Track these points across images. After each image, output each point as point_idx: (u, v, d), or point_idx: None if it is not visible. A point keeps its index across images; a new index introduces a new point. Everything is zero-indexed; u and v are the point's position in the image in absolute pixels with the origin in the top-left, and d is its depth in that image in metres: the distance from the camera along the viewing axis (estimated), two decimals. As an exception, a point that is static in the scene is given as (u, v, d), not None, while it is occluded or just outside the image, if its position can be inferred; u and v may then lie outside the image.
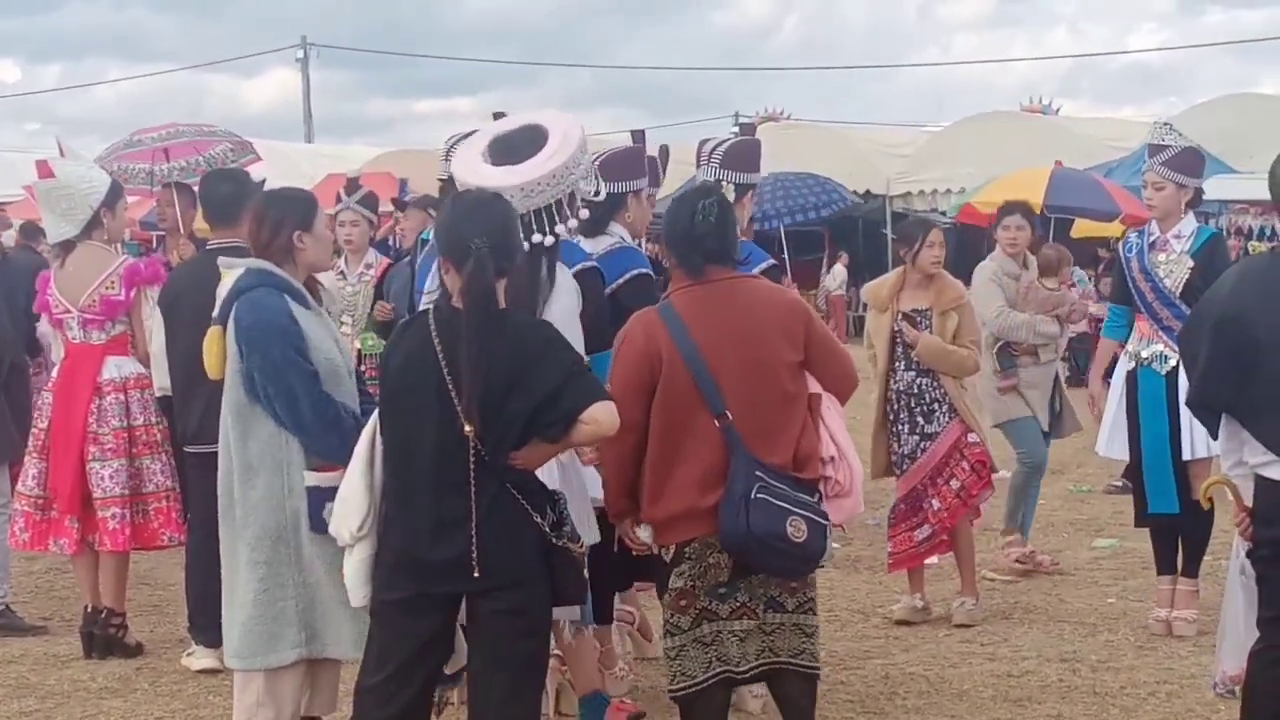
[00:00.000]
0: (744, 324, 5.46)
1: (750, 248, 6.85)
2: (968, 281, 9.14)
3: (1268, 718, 5.23)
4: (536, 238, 5.80)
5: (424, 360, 4.89)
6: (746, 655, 5.50)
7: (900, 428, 8.29)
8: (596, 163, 6.29)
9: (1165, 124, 8.66)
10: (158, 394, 7.76)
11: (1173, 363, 7.71)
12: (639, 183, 7.02)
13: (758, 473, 5.31)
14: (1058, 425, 9.56)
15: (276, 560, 5.41)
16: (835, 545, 5.72)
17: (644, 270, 6.67)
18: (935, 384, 8.25)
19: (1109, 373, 8.53)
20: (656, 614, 7.21)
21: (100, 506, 7.76)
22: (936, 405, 8.25)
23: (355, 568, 5.05)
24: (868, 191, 28.91)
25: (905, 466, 8.28)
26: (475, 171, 5.83)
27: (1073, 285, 11.75)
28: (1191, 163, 8.08)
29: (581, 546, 5.06)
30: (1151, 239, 8.04)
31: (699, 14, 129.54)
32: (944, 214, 25.30)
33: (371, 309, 9.28)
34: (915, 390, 8.26)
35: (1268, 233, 22.15)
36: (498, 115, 6.46)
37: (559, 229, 5.84)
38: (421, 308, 5.67)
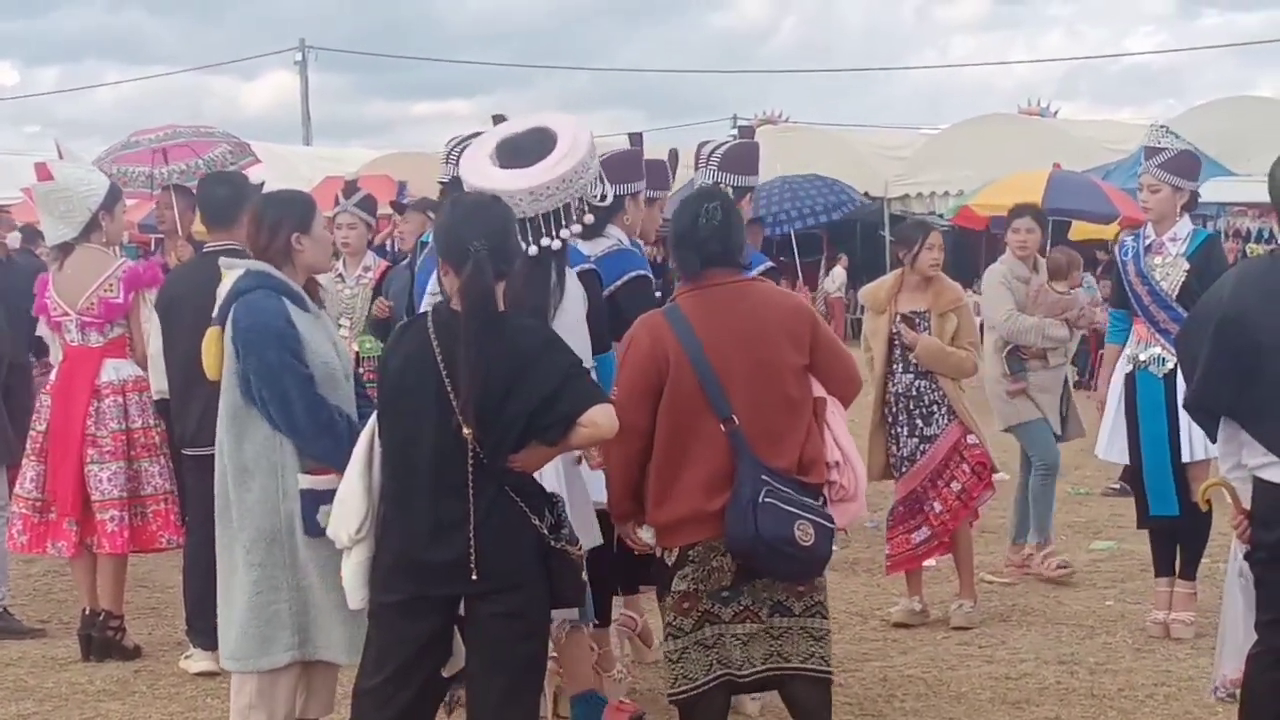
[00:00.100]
0: (750, 327, 5.44)
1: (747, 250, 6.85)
2: (963, 283, 9.13)
3: (1266, 720, 5.24)
4: (545, 242, 5.80)
5: (423, 363, 4.89)
6: (751, 659, 5.47)
7: (899, 430, 8.29)
8: (596, 165, 6.28)
9: (1162, 126, 8.67)
10: (155, 397, 7.76)
11: (1170, 365, 7.71)
12: (636, 185, 7.02)
13: (764, 476, 5.29)
14: (1064, 429, 9.53)
15: (271, 563, 5.41)
16: (834, 548, 5.71)
17: (642, 272, 6.67)
18: (934, 386, 8.25)
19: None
20: (656, 618, 7.22)
21: (98, 509, 7.76)
22: (935, 407, 8.25)
23: (353, 570, 5.05)
24: (865, 194, 28.92)
25: (904, 469, 8.27)
26: (483, 174, 5.82)
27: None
28: (1188, 165, 8.09)
29: (579, 549, 5.06)
30: (1147, 242, 8.05)
31: (697, 16, 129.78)
32: (941, 216, 25.32)
33: (370, 310, 9.28)
34: (914, 392, 8.26)
35: (1266, 235, 22.16)
36: (496, 118, 6.45)
37: (563, 233, 5.84)
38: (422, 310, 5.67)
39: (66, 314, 7.86)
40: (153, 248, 21.18)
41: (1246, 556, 5.30)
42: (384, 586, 4.97)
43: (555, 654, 6.10)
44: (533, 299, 5.74)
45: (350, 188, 9.96)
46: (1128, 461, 8.35)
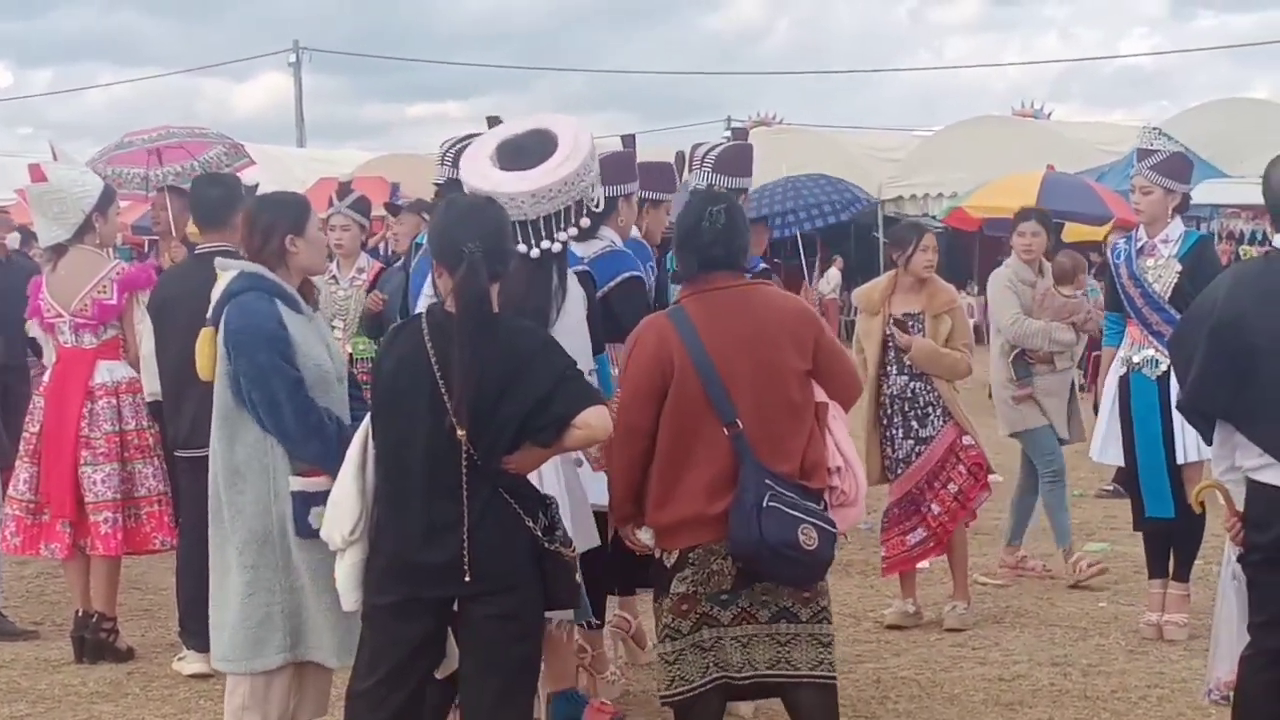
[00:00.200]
0: (754, 331, 5.42)
1: None
2: (957, 285, 9.12)
3: (1259, 722, 5.25)
4: (545, 244, 5.80)
5: (417, 364, 4.90)
6: (753, 662, 5.43)
7: (894, 432, 8.28)
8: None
9: (1154, 129, 8.69)
10: (148, 399, 7.76)
11: (1164, 367, 7.72)
12: (629, 186, 7.04)
13: (768, 481, 5.28)
14: (1068, 432, 9.50)
15: (263, 564, 5.40)
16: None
17: (634, 273, 6.68)
18: (929, 387, 8.25)
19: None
20: (649, 620, 7.22)
21: (92, 511, 7.76)
22: (930, 409, 8.25)
23: (347, 572, 5.05)
24: (862, 195, 28.92)
25: (899, 471, 8.27)
26: (484, 176, 5.82)
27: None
28: (1179, 168, 8.09)
29: (573, 550, 5.06)
30: (1139, 244, 8.07)
31: (691, 18, 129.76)
32: (935, 218, 25.32)
33: (361, 318, 9.27)
34: (909, 394, 8.26)
35: (1259, 237, 22.19)
36: (491, 120, 6.46)
37: (560, 235, 5.84)
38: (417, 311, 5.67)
39: (60, 315, 7.86)
40: (146, 249, 21.15)
41: (1239, 559, 5.31)
42: (378, 588, 4.97)
43: (566, 657, 6.12)
44: (534, 301, 5.74)
45: (344, 189, 9.96)
46: (1122, 464, 8.35)
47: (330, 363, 5.55)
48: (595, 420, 4.86)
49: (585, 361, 5.92)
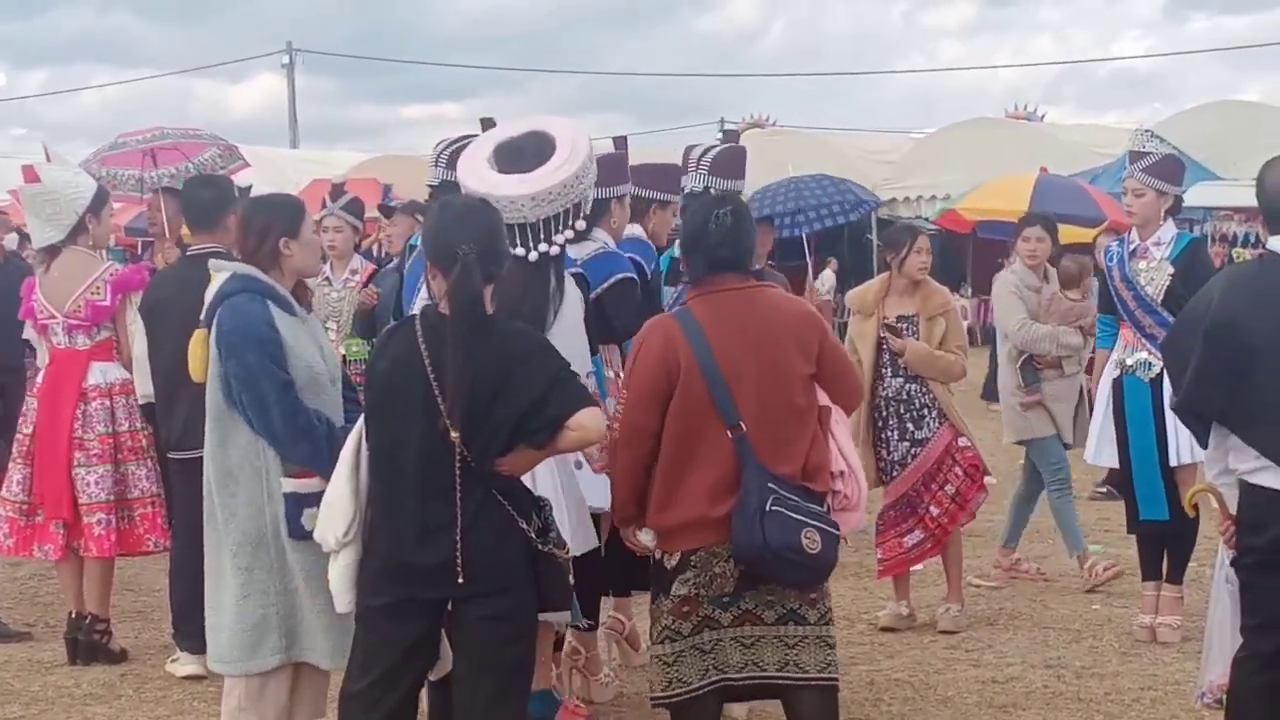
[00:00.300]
0: (760, 334, 5.41)
1: None
2: (950, 287, 9.12)
3: (1252, 725, 5.25)
4: (543, 247, 5.80)
5: (410, 366, 4.90)
6: (759, 663, 5.42)
7: (889, 434, 8.27)
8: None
9: (1146, 131, 8.68)
10: (140, 401, 7.76)
11: (1157, 370, 7.73)
12: (622, 188, 7.05)
13: (770, 484, 5.27)
14: (1074, 437, 9.47)
15: (257, 566, 5.40)
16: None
17: (627, 275, 6.68)
18: (924, 389, 8.25)
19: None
20: (643, 622, 7.22)
21: (86, 512, 7.75)
22: (926, 411, 8.25)
23: (340, 573, 5.05)
24: (855, 197, 28.90)
25: (895, 473, 8.26)
26: (482, 178, 5.82)
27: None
28: (1172, 170, 8.10)
29: (567, 552, 5.06)
30: (1132, 247, 8.07)
31: (685, 20, 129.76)
32: (928, 220, 25.34)
33: (355, 317, 9.27)
34: (904, 396, 8.25)
35: (1252, 239, 22.23)
36: (485, 122, 6.46)
37: (558, 238, 5.85)
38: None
39: (53, 317, 7.85)
40: (140, 251, 21.13)
41: (1233, 562, 5.31)
42: (371, 589, 4.97)
43: (543, 658, 6.10)
44: (531, 304, 5.75)
45: (337, 191, 9.95)
46: (1116, 466, 8.35)
47: (323, 364, 5.54)
48: (589, 422, 4.87)
49: (583, 364, 5.92)
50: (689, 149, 7.60)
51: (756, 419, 5.33)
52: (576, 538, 5.82)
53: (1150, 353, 7.83)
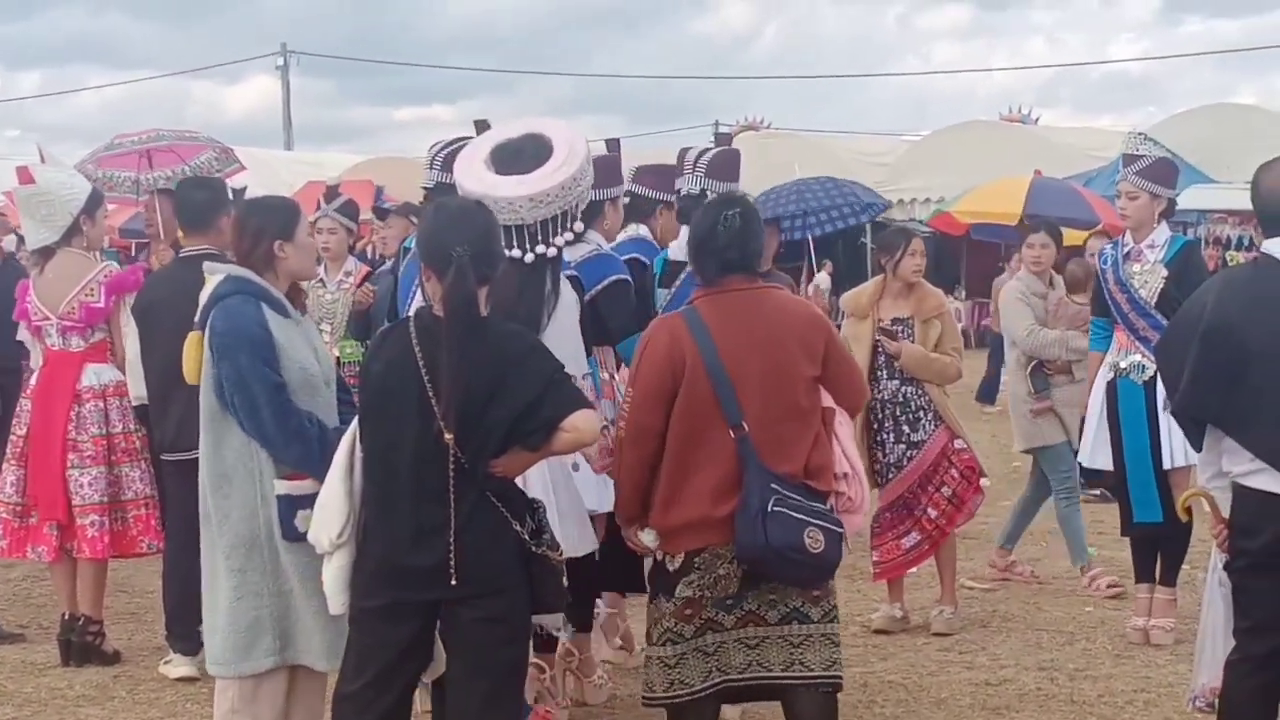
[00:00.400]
0: (765, 335, 5.40)
1: None
2: (944, 289, 9.12)
3: (1245, 728, 5.25)
4: (541, 248, 5.80)
5: (404, 368, 4.90)
6: (763, 663, 5.42)
7: (885, 436, 8.27)
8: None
9: (1140, 134, 8.69)
10: (133, 402, 7.75)
11: (1150, 372, 7.73)
12: (615, 190, 7.06)
13: (773, 484, 5.26)
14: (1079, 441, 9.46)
15: (251, 568, 5.40)
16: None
17: (621, 276, 6.68)
18: (920, 392, 8.25)
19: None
20: (637, 624, 7.22)
21: (79, 514, 7.75)
22: (922, 413, 8.24)
23: (334, 575, 5.05)
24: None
25: (891, 475, 8.24)
26: (480, 179, 5.82)
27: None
28: (1165, 173, 8.11)
29: (560, 554, 5.06)
30: (1126, 250, 8.08)
31: (679, 22, 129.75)
32: (922, 223, 25.35)
33: (350, 317, 9.27)
34: (900, 398, 8.25)
35: (1245, 242, 22.27)
36: (479, 124, 6.46)
37: (558, 240, 5.85)
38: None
39: (47, 318, 7.85)
40: (134, 252, 21.13)
41: (1226, 565, 5.31)
42: (365, 591, 4.97)
43: (536, 659, 6.10)
44: (526, 306, 5.75)
45: (332, 193, 9.94)
46: (1111, 469, 8.36)
47: (317, 366, 5.53)
48: (583, 424, 4.87)
49: (579, 366, 5.93)
50: (684, 151, 7.60)
51: (759, 419, 5.33)
52: (575, 540, 5.82)
53: (1144, 355, 7.83)
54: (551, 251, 5.85)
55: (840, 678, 5.53)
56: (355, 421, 5.09)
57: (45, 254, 7.89)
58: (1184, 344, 5.24)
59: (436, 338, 4.84)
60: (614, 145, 7.51)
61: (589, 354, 6.26)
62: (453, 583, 4.82)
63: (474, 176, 5.85)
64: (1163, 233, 8.05)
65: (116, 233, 21.30)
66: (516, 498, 4.98)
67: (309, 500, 5.19)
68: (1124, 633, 8.15)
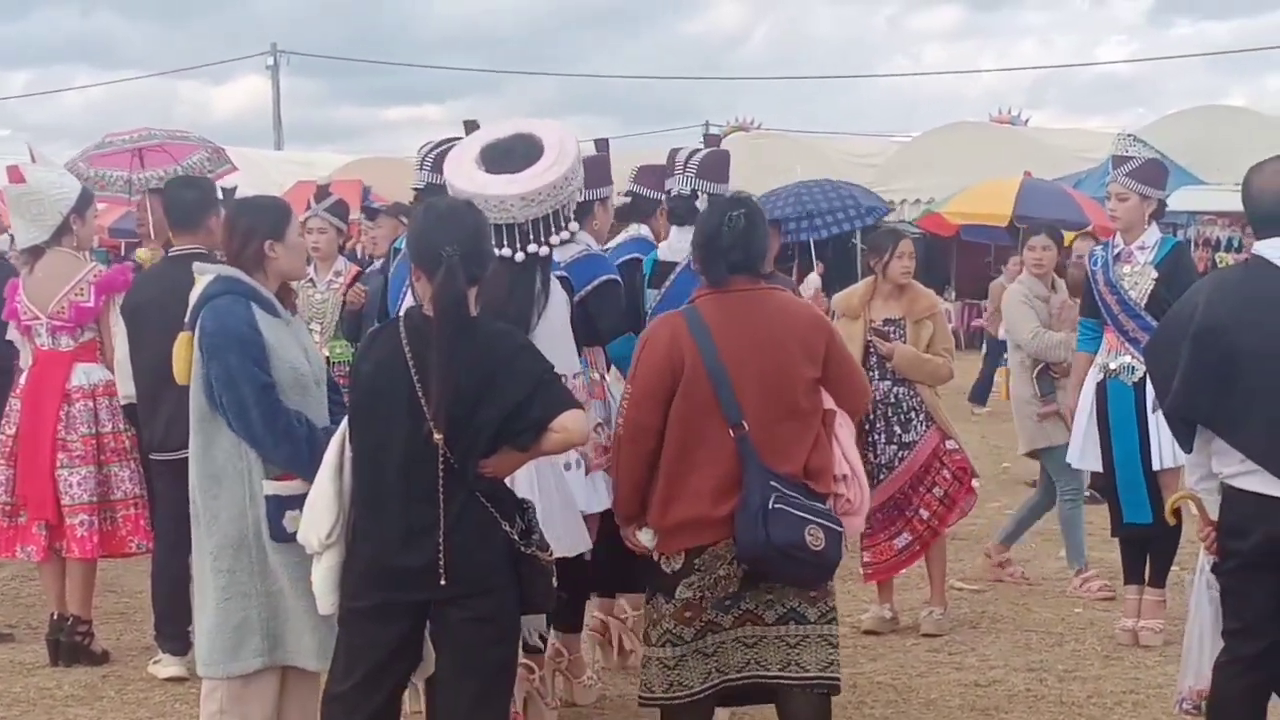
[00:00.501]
0: (766, 336, 5.41)
1: None
2: (935, 290, 9.11)
3: (1233, 729, 5.26)
4: (532, 248, 5.80)
5: (394, 368, 4.89)
6: (760, 663, 5.43)
7: (877, 437, 8.26)
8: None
9: (1129, 135, 8.71)
10: (122, 402, 7.74)
11: (1140, 374, 7.74)
12: (605, 190, 7.06)
13: (773, 483, 5.27)
14: None
15: (239, 569, 5.39)
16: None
17: (611, 277, 6.68)
18: (912, 393, 8.25)
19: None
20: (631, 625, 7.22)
21: (68, 514, 7.74)
22: (914, 414, 8.25)
23: (323, 575, 5.04)
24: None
25: (882, 476, 8.23)
26: (470, 179, 5.82)
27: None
28: (1155, 174, 8.12)
29: (550, 554, 5.06)
30: (1116, 251, 8.09)
31: (669, 23, 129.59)
32: (912, 224, 25.35)
33: (340, 317, 9.26)
34: (892, 399, 8.25)
35: (1235, 244, 22.31)
36: (469, 124, 6.46)
37: (552, 239, 5.84)
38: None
39: (37, 318, 7.84)
40: (123, 251, 21.09)
41: (1214, 567, 5.32)
42: (354, 591, 4.96)
43: (526, 660, 6.10)
44: (516, 306, 5.74)
45: (322, 193, 9.93)
46: (1100, 470, 8.37)
47: (308, 366, 5.53)
48: (573, 424, 4.87)
49: (569, 366, 5.92)
50: (674, 151, 7.60)
51: (758, 419, 5.33)
52: (566, 540, 5.81)
53: (1134, 357, 7.85)
54: (544, 250, 5.85)
55: (837, 679, 5.53)
56: (345, 421, 5.09)
57: (35, 253, 7.89)
58: (1174, 345, 5.25)
59: (426, 338, 4.84)
60: (603, 145, 7.51)
61: (579, 354, 6.25)
62: (442, 583, 4.81)
63: (464, 175, 5.85)
64: (1153, 234, 8.06)
65: (107, 232, 21.26)
66: (506, 498, 4.98)
67: (297, 501, 5.19)
68: (1113, 634, 8.16)
